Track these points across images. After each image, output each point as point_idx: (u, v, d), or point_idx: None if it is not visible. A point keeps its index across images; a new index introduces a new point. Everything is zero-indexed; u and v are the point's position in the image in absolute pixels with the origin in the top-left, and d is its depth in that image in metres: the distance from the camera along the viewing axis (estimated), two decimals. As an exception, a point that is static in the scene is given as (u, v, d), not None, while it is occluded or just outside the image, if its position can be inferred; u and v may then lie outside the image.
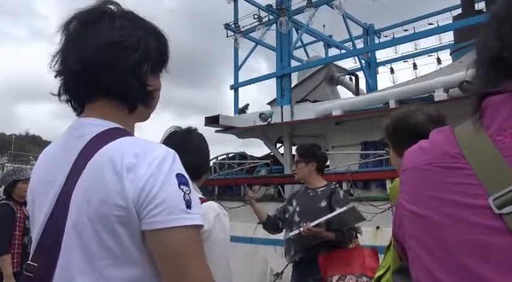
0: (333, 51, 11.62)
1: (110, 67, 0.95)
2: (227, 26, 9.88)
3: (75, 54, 0.96)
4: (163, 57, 1.07)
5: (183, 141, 1.72)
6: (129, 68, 0.97)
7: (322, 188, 3.26)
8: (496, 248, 0.55)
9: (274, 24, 9.03)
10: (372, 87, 10.62)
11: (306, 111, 7.96)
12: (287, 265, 5.53)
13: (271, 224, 3.43)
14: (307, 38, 11.36)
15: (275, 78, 8.83)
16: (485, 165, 0.59)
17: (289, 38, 9.13)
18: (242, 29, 9.66)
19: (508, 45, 0.61)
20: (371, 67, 11.17)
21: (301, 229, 3.00)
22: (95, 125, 0.97)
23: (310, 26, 9.60)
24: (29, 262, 0.92)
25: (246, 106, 9.83)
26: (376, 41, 11.58)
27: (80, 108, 1.03)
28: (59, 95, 1.02)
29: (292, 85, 9.14)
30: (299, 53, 10.90)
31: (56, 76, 1.00)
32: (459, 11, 9.37)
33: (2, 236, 3.75)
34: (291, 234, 3.13)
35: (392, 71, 11.70)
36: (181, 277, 0.87)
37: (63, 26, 0.99)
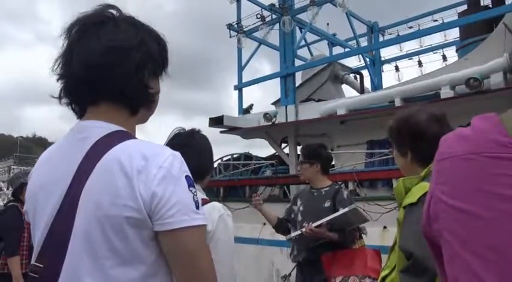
0: (337, 50, 11.55)
1: (113, 71, 0.97)
2: (230, 26, 9.84)
3: (79, 58, 0.97)
4: (164, 61, 1.09)
5: (187, 143, 1.73)
6: (132, 72, 0.98)
7: (326, 188, 3.26)
8: None
9: (278, 24, 8.99)
10: (377, 85, 10.53)
11: (311, 111, 7.91)
12: (294, 267, 5.52)
13: (283, 227, 3.44)
14: (311, 37, 11.32)
15: (279, 78, 8.79)
16: None
17: (293, 37, 9.07)
18: (245, 29, 9.62)
19: None
20: (376, 65, 11.08)
21: (303, 229, 3.00)
22: (99, 127, 0.98)
23: (313, 25, 9.54)
24: (33, 263, 0.93)
25: (251, 106, 9.80)
26: (381, 38, 11.47)
27: (80, 111, 1.04)
28: (60, 98, 1.03)
29: (297, 84, 9.09)
30: (303, 52, 10.85)
31: (58, 80, 1.01)
32: (464, 7, 9.28)
33: (12, 238, 3.82)
34: (293, 234, 3.14)
35: (397, 68, 11.61)
36: (197, 273, 0.92)
37: (66, 30, 1.01)
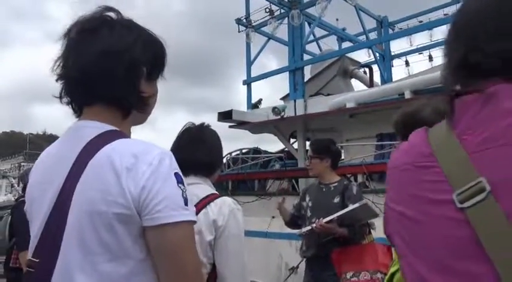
0: (347, 45, 11.48)
1: (106, 75, 0.99)
2: (239, 21, 9.85)
3: (74, 60, 1.00)
4: (160, 65, 1.10)
5: (197, 138, 1.73)
6: (124, 76, 1.00)
7: (335, 184, 3.24)
8: (461, 239, 0.59)
9: (286, 18, 8.97)
10: (387, 80, 10.42)
11: (320, 105, 7.88)
12: (302, 260, 5.51)
13: (293, 223, 3.47)
14: (319, 33, 11.27)
15: (287, 75, 8.77)
16: (451, 162, 0.63)
17: (302, 32, 9.05)
18: (254, 24, 9.61)
19: (472, 50, 0.66)
20: (385, 60, 10.98)
21: (314, 225, 2.98)
22: (93, 127, 1.01)
23: (322, 19, 9.50)
24: (30, 258, 0.96)
25: (259, 101, 9.80)
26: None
27: (79, 110, 1.08)
28: (61, 97, 1.06)
29: (305, 80, 9.06)
30: (312, 48, 10.82)
31: (57, 80, 1.04)
32: (476, 0, 9.14)
33: (23, 233, 3.82)
34: (303, 230, 3.12)
35: (407, 63, 11.48)
36: (182, 268, 0.94)
37: (65, 32, 1.04)
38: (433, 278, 0.62)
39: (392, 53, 11.40)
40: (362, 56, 11.34)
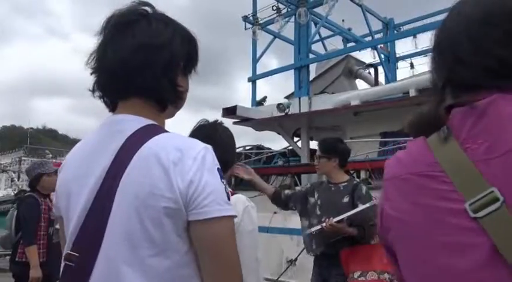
0: (352, 46, 11.50)
1: (145, 68, 1.00)
2: (245, 18, 9.89)
3: (114, 53, 1.00)
4: (194, 60, 1.12)
5: (211, 136, 1.73)
6: (163, 70, 1.02)
7: (345, 183, 3.24)
8: (473, 247, 0.60)
9: (293, 17, 9.01)
10: (391, 81, 10.41)
11: (324, 103, 7.91)
12: (301, 252, 5.51)
13: (280, 201, 3.42)
14: (325, 33, 11.30)
15: (289, 75, 8.81)
16: (458, 171, 0.64)
17: (308, 30, 9.08)
18: (260, 21, 9.66)
19: (458, 63, 0.70)
20: (390, 62, 11.03)
21: (324, 224, 2.99)
22: (132, 121, 1.01)
23: (328, 19, 9.53)
24: (68, 252, 0.96)
25: (264, 99, 9.87)
26: (396, 36, 11.38)
27: (112, 105, 1.08)
28: (93, 91, 1.07)
29: (310, 79, 9.09)
30: (317, 48, 10.85)
31: (91, 73, 1.05)
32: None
33: (29, 228, 3.85)
34: (313, 229, 3.11)
35: (412, 66, 11.50)
36: (225, 260, 0.96)
37: (103, 25, 1.04)
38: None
39: (397, 55, 11.44)
40: (367, 57, 11.37)
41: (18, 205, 4.11)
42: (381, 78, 10.18)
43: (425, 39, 10.63)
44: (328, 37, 11.54)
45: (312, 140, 8.95)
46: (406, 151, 0.75)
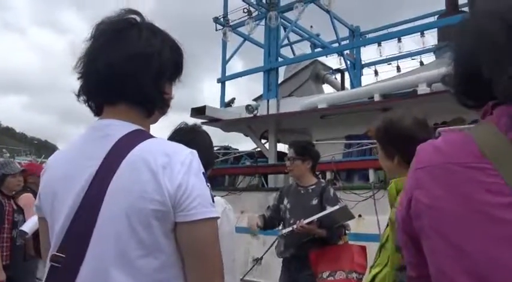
0: (320, 52, 11.76)
1: (136, 76, 1.04)
2: (216, 20, 9.92)
3: (105, 59, 1.03)
4: (180, 69, 1.16)
5: (191, 139, 1.76)
6: (153, 78, 1.06)
7: (313, 186, 3.29)
8: None
9: (263, 20, 9.13)
10: (356, 87, 10.79)
11: (292, 106, 8.04)
12: (266, 251, 5.58)
13: (270, 225, 3.47)
14: (294, 38, 11.51)
15: (256, 77, 8.90)
16: (509, 165, 0.64)
17: (278, 34, 9.24)
18: (231, 23, 9.72)
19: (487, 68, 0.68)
20: (356, 68, 11.38)
21: (295, 226, 3.05)
22: (120, 125, 1.04)
23: (297, 24, 9.72)
24: (55, 253, 0.97)
25: (232, 100, 9.87)
26: (362, 44, 11.75)
27: (97, 109, 1.10)
28: (79, 95, 1.09)
29: (279, 82, 9.21)
30: (286, 52, 11.02)
31: (78, 78, 1.08)
32: (444, 14, 9.64)
33: None
34: (284, 231, 3.18)
35: (376, 73, 11.91)
36: (210, 260, 1.00)
37: (92, 31, 1.07)
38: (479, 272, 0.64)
39: (363, 62, 11.81)
40: (334, 63, 11.68)
41: None
42: (347, 83, 10.49)
43: (390, 47, 11.07)
44: (297, 42, 11.76)
45: (279, 142, 9.08)
46: (445, 140, 0.74)
